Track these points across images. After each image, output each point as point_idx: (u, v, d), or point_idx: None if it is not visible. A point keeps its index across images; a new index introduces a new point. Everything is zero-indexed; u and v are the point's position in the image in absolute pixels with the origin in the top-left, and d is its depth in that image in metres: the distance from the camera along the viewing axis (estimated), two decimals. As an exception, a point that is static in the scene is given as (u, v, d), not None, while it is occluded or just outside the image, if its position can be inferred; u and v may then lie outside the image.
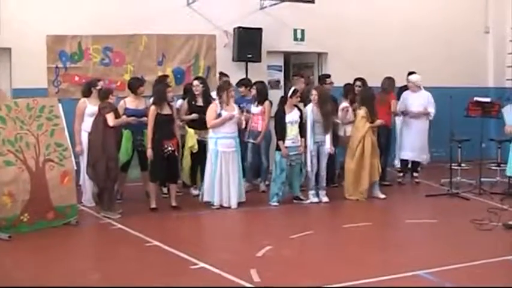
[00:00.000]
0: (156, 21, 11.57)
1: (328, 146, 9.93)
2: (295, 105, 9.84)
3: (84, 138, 9.38)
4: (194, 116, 10.00)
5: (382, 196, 10.18)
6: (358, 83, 11.11)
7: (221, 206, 9.39)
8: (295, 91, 9.80)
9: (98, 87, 9.57)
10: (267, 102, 10.44)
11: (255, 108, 10.36)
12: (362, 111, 10.17)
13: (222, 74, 11.19)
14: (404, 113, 11.45)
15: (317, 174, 9.94)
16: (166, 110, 9.27)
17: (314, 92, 9.91)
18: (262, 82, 10.95)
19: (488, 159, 11.45)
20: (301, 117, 9.78)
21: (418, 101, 11.42)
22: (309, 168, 9.82)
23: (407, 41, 13.45)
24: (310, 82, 12.00)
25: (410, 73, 11.84)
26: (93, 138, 8.94)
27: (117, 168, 8.92)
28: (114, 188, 9.02)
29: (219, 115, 9.41)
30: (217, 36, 12.24)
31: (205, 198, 9.51)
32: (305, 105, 10.18)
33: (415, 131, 11.38)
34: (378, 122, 10.21)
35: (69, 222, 8.42)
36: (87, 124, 9.33)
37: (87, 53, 11.34)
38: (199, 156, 9.95)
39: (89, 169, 8.99)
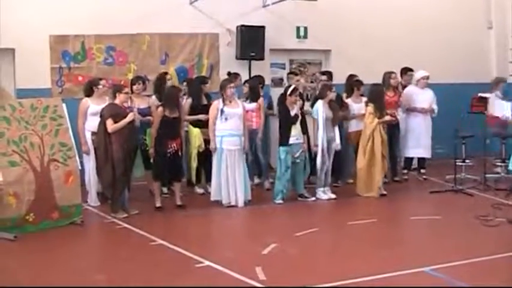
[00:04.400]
0: (158, 20, 11.56)
1: (337, 143, 10.03)
2: (295, 103, 9.85)
3: (89, 137, 9.41)
4: (201, 116, 9.98)
5: (384, 192, 10.17)
6: (323, 77, 11.32)
7: (229, 205, 9.42)
8: (294, 89, 9.83)
9: (100, 87, 9.61)
10: (261, 99, 10.47)
11: (248, 105, 10.33)
12: (370, 108, 10.18)
13: (230, 74, 11.21)
14: (410, 110, 11.45)
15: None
16: (174, 113, 9.25)
17: (333, 93, 10.04)
18: (255, 79, 11.01)
19: (493, 155, 11.43)
20: (301, 113, 9.86)
21: (424, 97, 11.45)
22: (320, 166, 9.84)
23: (410, 37, 13.42)
24: (317, 79, 12.06)
25: (407, 69, 11.85)
26: (98, 142, 8.96)
27: (125, 172, 8.82)
28: (125, 191, 8.98)
29: (221, 111, 9.42)
30: (220, 35, 12.23)
31: (214, 198, 9.53)
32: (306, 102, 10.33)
33: (424, 127, 11.42)
34: (387, 118, 10.19)
35: (74, 221, 8.43)
36: (90, 123, 9.36)
37: (90, 52, 11.34)
38: (205, 155, 9.95)
39: (97, 172, 9.05)
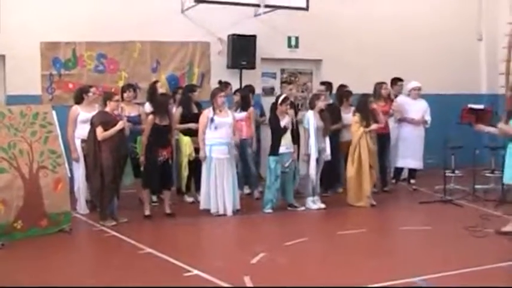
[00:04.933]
0: (150, 28, 11.56)
1: (328, 153, 10.01)
2: (286, 113, 9.84)
3: (78, 145, 9.38)
4: (192, 125, 9.96)
5: (373, 203, 10.17)
6: (322, 87, 11.31)
7: (218, 214, 9.39)
8: (285, 99, 9.84)
9: (90, 94, 9.58)
10: (251, 108, 10.49)
11: (238, 114, 10.33)
12: (356, 117, 10.22)
13: (221, 82, 11.24)
14: (402, 120, 11.48)
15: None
16: (165, 121, 9.25)
17: (322, 101, 10.04)
18: (245, 88, 11.08)
19: (482, 166, 11.46)
20: (292, 123, 9.83)
21: (416, 107, 11.48)
22: (311, 176, 9.84)
23: (400, 47, 13.47)
24: (308, 89, 12.08)
25: (397, 79, 11.88)
26: (87, 149, 8.95)
27: (114, 180, 8.80)
28: (114, 199, 8.94)
29: (212, 120, 9.41)
30: (212, 43, 12.25)
31: (203, 206, 9.51)
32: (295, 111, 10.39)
33: (416, 138, 11.45)
34: (373, 126, 10.21)
35: (62, 229, 8.39)
36: (80, 131, 9.33)
37: (81, 59, 11.32)
38: (194, 164, 9.94)
39: (86, 179, 9.04)
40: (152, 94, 10.29)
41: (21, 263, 7.24)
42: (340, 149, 10.72)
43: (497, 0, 14.67)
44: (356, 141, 10.12)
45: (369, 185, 10.12)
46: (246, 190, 10.92)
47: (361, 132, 10.09)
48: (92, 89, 9.74)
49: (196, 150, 9.78)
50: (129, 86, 10.26)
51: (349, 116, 10.70)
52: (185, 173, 10.00)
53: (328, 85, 11.44)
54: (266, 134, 10.46)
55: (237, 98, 10.64)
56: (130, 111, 9.75)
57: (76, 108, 9.54)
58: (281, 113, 9.74)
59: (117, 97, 9.22)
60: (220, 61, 12.25)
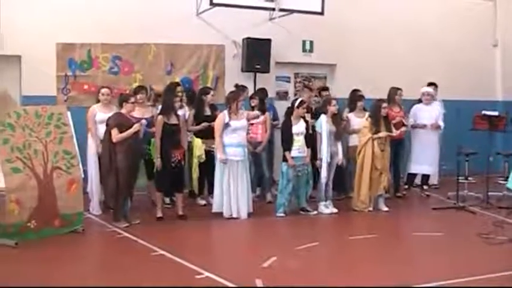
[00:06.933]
0: (165, 31, 11.61)
1: (340, 157, 10.01)
2: (302, 117, 9.85)
3: (93, 144, 9.42)
4: (203, 125, 10.00)
5: (385, 209, 10.16)
6: (326, 92, 11.42)
7: (230, 217, 9.40)
8: (302, 102, 9.84)
9: (99, 94, 9.64)
10: (267, 113, 10.50)
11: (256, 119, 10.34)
12: (366, 122, 10.22)
13: (237, 86, 11.24)
14: (414, 126, 11.45)
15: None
16: (173, 120, 9.29)
17: (334, 103, 10.03)
18: (261, 92, 11.06)
19: (496, 173, 11.41)
20: (307, 128, 9.82)
21: (430, 113, 11.45)
22: (323, 180, 9.83)
23: (415, 54, 13.47)
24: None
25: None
26: (103, 151, 9.01)
27: (129, 181, 8.85)
28: (127, 201, 8.98)
29: (227, 125, 9.42)
30: (226, 47, 12.29)
31: (215, 209, 9.52)
32: (314, 116, 10.30)
33: (428, 144, 11.40)
34: (381, 134, 10.16)
35: (75, 229, 8.44)
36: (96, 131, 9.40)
37: (96, 61, 11.39)
38: (207, 166, 9.97)
39: (101, 180, 9.12)
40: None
41: (33, 263, 7.28)
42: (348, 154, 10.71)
43: (512, 7, 14.64)
44: (361, 147, 10.10)
45: (366, 190, 10.08)
46: (258, 192, 10.92)
47: (367, 138, 10.06)
48: (102, 90, 9.77)
49: (207, 152, 9.81)
50: (141, 88, 10.28)
51: (360, 120, 10.62)
52: (195, 175, 10.02)
53: (327, 90, 11.53)
54: (279, 137, 10.45)
55: (255, 102, 10.60)
56: (144, 113, 9.79)
57: (93, 108, 9.62)
58: (296, 117, 9.74)
59: (133, 99, 9.23)
60: (235, 64, 12.28)
